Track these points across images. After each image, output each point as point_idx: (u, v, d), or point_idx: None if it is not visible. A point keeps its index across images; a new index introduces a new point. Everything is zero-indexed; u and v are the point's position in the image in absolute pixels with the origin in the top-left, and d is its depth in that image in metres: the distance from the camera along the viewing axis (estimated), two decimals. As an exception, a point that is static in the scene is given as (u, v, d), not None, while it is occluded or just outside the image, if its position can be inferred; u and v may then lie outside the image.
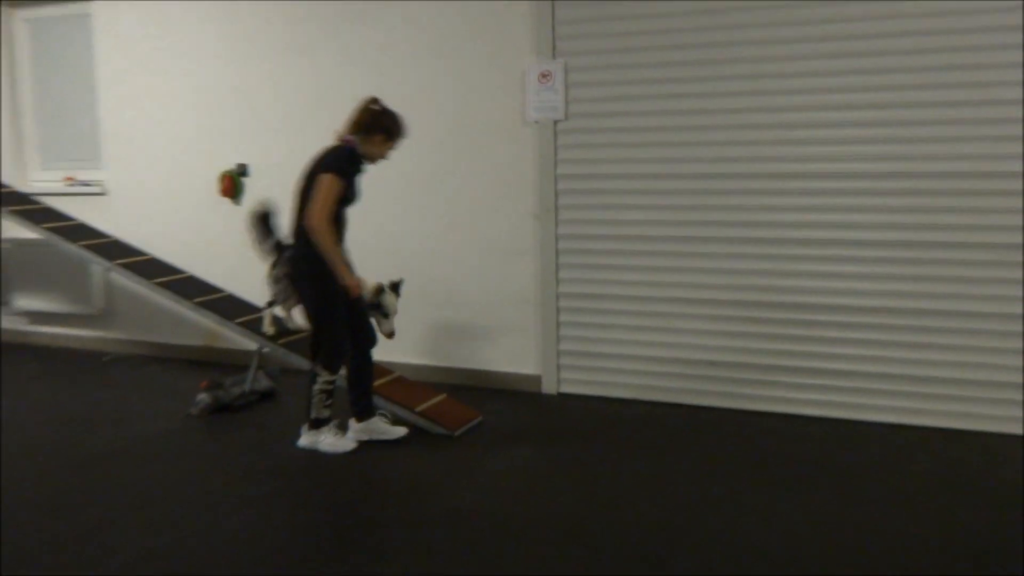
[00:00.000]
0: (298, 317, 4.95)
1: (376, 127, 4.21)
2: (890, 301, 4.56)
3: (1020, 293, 4.34)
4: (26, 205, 5.82)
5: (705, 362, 4.97)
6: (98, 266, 5.84)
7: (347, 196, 4.22)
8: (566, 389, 5.30)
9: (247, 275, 5.37)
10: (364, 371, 4.49)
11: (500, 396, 5.22)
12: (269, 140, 5.89)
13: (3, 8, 6.68)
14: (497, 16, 5.18)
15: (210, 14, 5.98)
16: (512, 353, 5.40)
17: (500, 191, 5.30)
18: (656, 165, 4.94)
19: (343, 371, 4.39)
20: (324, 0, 5.60)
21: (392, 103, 4.31)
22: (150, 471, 4.15)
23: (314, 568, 3.15)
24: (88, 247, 5.45)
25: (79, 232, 5.62)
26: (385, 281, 4.57)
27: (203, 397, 5.02)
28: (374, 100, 4.26)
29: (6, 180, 6.29)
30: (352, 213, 4.33)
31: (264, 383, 5.32)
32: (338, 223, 4.25)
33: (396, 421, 4.62)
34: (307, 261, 4.20)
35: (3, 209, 5.63)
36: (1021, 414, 4.38)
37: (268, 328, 5.03)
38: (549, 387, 5.31)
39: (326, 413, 4.39)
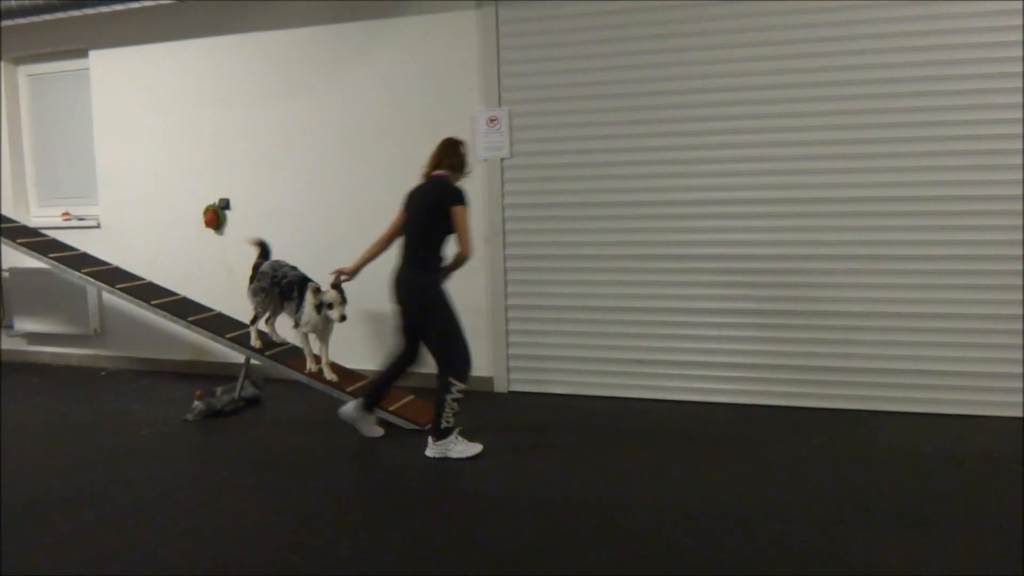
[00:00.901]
0: (280, 330, 5.67)
1: (462, 164, 4.81)
2: (778, 304, 5.48)
3: (882, 295, 5.29)
4: (32, 237, 6.41)
5: (634, 360, 5.83)
6: (92, 289, 6.45)
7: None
8: (516, 388, 6.13)
9: (231, 296, 6.04)
10: (394, 375, 4.98)
11: (459, 395, 6.00)
12: (245, 177, 6.64)
13: (4, 65, 7.34)
14: (451, 71, 6.02)
15: (191, 65, 6.71)
16: (468, 358, 6.21)
17: (455, 218, 6.11)
18: (588, 195, 5.81)
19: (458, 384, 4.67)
20: (297, 57, 6.39)
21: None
22: (163, 466, 4.77)
23: (319, 541, 3.79)
24: (90, 274, 6.07)
25: (81, 261, 6.24)
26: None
27: (198, 404, 5.67)
28: (461, 141, 4.86)
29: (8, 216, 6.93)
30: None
31: (251, 391, 5.99)
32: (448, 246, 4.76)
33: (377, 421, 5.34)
34: (433, 287, 4.69)
35: (13, 241, 6.20)
36: (887, 394, 5.33)
37: (255, 342, 5.70)
38: (500, 387, 6.13)
39: (453, 422, 4.71)
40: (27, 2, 6.36)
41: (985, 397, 5.20)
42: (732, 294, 5.59)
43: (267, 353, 5.69)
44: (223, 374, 6.54)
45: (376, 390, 5.05)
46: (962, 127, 5.09)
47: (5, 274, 7.30)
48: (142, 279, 6.26)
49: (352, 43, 6.24)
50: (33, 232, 6.58)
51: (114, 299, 6.40)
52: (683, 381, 5.75)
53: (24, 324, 7.32)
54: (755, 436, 5.03)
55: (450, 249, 4.74)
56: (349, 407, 5.10)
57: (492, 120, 5.91)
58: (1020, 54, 4.94)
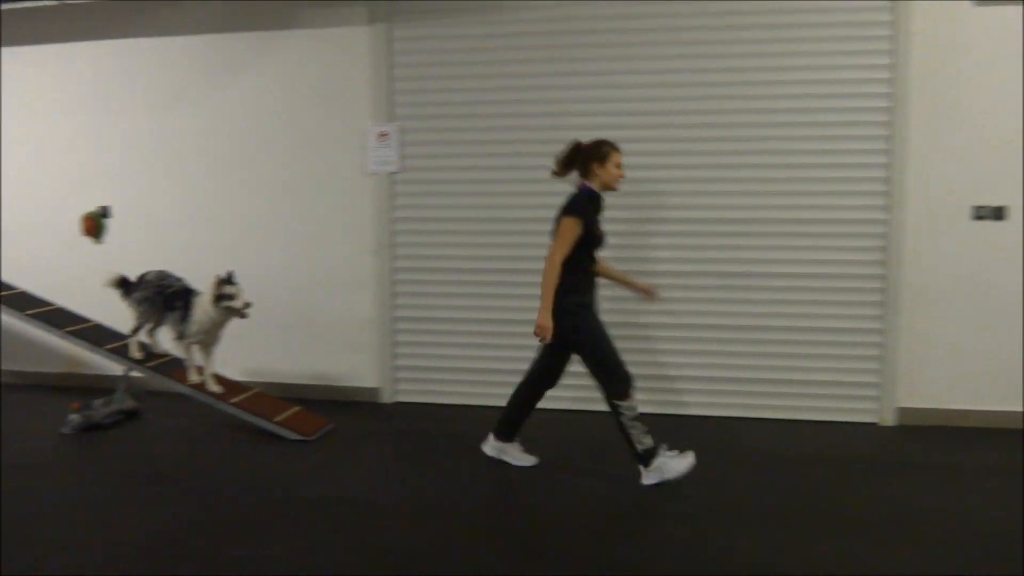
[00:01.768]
0: (160, 340, 5.62)
1: (589, 158, 4.44)
2: (649, 318, 5.77)
3: (749, 309, 5.64)
4: None
5: (517, 371, 5.99)
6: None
7: (592, 237, 4.39)
8: (401, 398, 6.22)
9: (111, 306, 5.89)
10: (531, 401, 4.73)
11: (344, 406, 6.05)
12: (127, 186, 6.54)
13: None
14: (343, 85, 6.09)
15: (69, 70, 6.57)
16: (354, 368, 6.27)
17: (343, 230, 6.19)
18: (475, 210, 5.98)
19: (628, 400, 4.39)
20: (183, 65, 6.34)
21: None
22: (41, 481, 4.65)
23: (206, 551, 3.81)
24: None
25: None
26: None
27: (74, 417, 5.53)
28: (596, 142, 4.51)
29: None
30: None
31: (130, 403, 5.88)
32: (587, 263, 4.46)
33: (259, 429, 5.35)
34: (563, 310, 4.36)
35: None
36: (752, 402, 5.68)
37: (135, 353, 5.62)
38: (386, 396, 6.22)
39: (649, 441, 4.38)
40: None
41: (842, 404, 5.60)
42: (606, 307, 5.82)
43: (149, 364, 5.62)
44: (98, 387, 6.38)
45: (511, 416, 4.78)
46: (824, 156, 5.49)
47: None
48: (15, 287, 6.08)
49: (242, 53, 6.24)
50: None
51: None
52: (563, 391, 5.91)
53: None
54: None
55: (586, 266, 4.51)
56: (490, 442, 4.84)
57: (383, 135, 6.01)
58: (886, 76, 5.38)
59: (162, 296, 5.45)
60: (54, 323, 5.78)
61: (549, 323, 4.32)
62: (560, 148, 4.61)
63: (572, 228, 4.31)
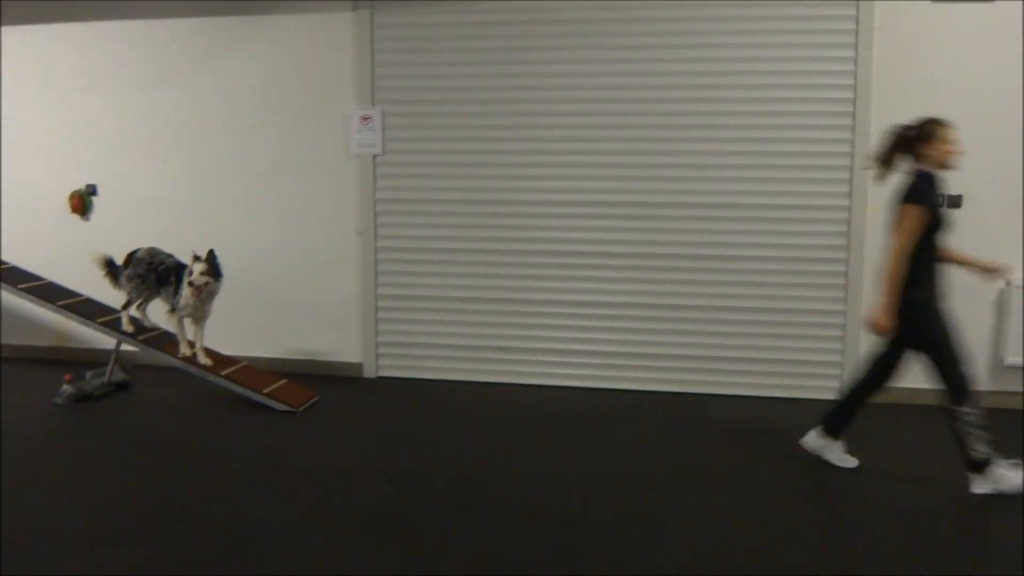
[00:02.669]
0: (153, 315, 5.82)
1: (915, 141, 4.17)
2: (626, 298, 6.02)
3: (717, 291, 5.91)
4: None
5: (496, 347, 6.26)
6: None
7: (935, 223, 4.09)
8: (383, 373, 6.44)
9: (98, 282, 6.03)
10: (867, 396, 4.47)
11: (329, 380, 6.26)
12: (113, 165, 6.68)
13: None
14: (326, 69, 6.26)
15: (58, 52, 6.67)
16: (338, 344, 6.48)
17: (328, 212, 6.38)
18: (456, 192, 6.19)
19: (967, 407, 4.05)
20: (171, 47, 6.48)
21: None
22: (40, 448, 4.86)
23: (202, 511, 4.06)
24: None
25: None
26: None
27: (67, 388, 5.72)
28: (895, 128, 4.28)
29: None
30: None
31: (120, 376, 6.06)
32: (931, 252, 4.14)
33: (247, 401, 5.55)
34: (909, 304, 4.11)
35: None
36: (720, 379, 5.96)
37: (127, 327, 5.80)
38: (369, 371, 6.44)
39: (985, 450, 4.07)
40: None
41: (805, 382, 5.88)
42: (585, 287, 6.09)
43: (140, 338, 5.79)
44: (87, 360, 6.55)
45: (842, 410, 4.52)
46: (791, 146, 5.74)
47: None
48: (7, 263, 6.21)
49: (227, 38, 6.38)
50: None
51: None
52: (541, 367, 6.21)
53: None
54: (604, 416, 5.53)
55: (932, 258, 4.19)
56: (812, 436, 4.62)
57: (365, 118, 6.19)
58: (850, 69, 5.63)
59: (155, 272, 5.63)
60: (47, 297, 5.92)
61: (890, 322, 4.11)
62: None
63: (915, 217, 4.03)
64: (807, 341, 5.87)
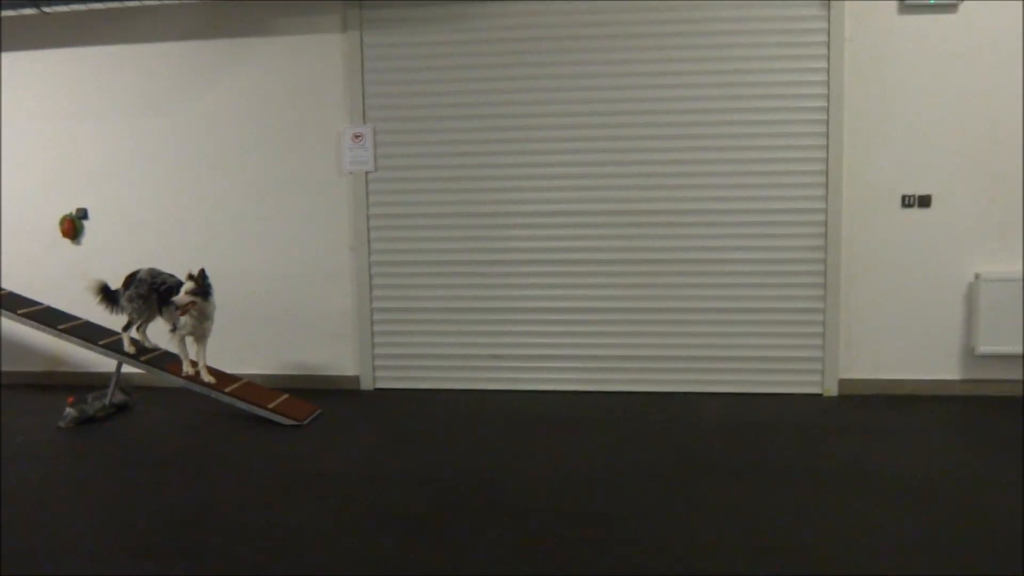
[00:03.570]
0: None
1: None
2: (617, 303, 6.23)
3: (706, 293, 6.15)
4: None
5: (491, 356, 6.43)
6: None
7: None
8: (380, 385, 6.58)
9: (91, 305, 6.07)
10: None
11: (327, 394, 6.37)
12: (103, 189, 6.75)
13: None
14: (316, 89, 6.41)
15: (45, 76, 6.74)
16: (334, 358, 6.61)
17: (321, 228, 6.51)
18: (447, 205, 6.36)
19: None
20: (159, 71, 6.58)
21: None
22: (49, 470, 4.91)
23: (231, 524, 4.17)
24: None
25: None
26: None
27: (70, 411, 5.77)
28: None
29: None
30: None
31: (120, 397, 6.13)
32: None
33: (251, 417, 5.65)
34: None
35: None
36: (711, 378, 6.20)
37: (129, 348, 5.87)
38: (366, 384, 6.57)
39: None
40: None
41: (790, 377, 6.14)
42: (575, 294, 6.29)
43: (142, 359, 5.86)
44: (82, 384, 6.60)
45: None
46: (769, 151, 6.00)
47: None
48: (4, 289, 6.25)
49: (220, 59, 6.49)
50: None
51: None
52: (536, 373, 6.40)
53: None
54: (603, 417, 5.73)
55: None
56: None
57: (357, 136, 6.35)
58: (823, 79, 5.91)
59: (156, 293, 5.73)
60: (46, 322, 5.96)
61: None
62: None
63: None
64: (790, 338, 6.12)
